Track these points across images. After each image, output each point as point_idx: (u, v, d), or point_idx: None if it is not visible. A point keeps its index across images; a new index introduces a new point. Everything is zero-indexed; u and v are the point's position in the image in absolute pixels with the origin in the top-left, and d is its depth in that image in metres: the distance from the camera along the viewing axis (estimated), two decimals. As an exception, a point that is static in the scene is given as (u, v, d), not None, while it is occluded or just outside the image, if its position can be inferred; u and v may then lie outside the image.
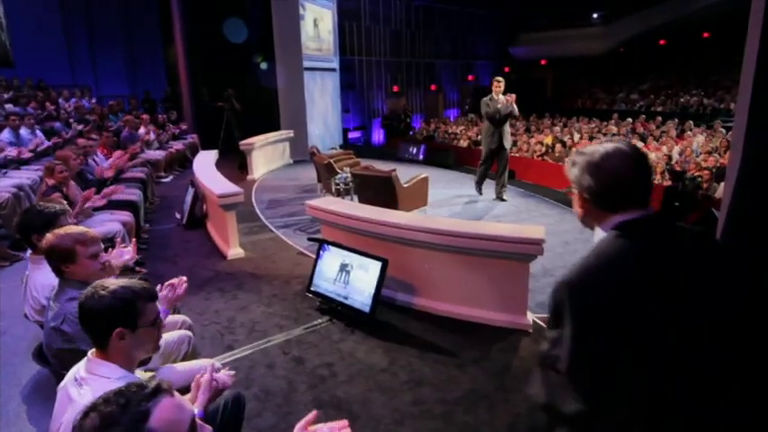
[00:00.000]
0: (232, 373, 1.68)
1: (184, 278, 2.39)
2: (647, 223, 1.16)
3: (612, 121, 13.41)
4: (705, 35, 18.86)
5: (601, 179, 1.18)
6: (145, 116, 10.10)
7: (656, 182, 8.29)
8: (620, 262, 1.12)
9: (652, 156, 9.25)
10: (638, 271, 1.10)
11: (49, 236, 2.12)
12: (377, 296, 3.57)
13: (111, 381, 1.44)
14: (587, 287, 1.11)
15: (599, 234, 1.23)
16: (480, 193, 7.71)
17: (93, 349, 1.53)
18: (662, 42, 20.11)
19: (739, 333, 1.11)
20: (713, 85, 17.23)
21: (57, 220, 2.59)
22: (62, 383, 1.55)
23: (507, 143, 7.32)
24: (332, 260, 3.88)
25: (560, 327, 1.13)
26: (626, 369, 1.08)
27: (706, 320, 1.08)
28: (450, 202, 7.48)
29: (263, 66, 12.57)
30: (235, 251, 5.18)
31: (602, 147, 1.21)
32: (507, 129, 7.33)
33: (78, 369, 1.52)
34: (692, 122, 12.16)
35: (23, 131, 6.89)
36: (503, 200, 7.44)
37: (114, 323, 1.47)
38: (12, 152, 6.07)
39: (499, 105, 7.03)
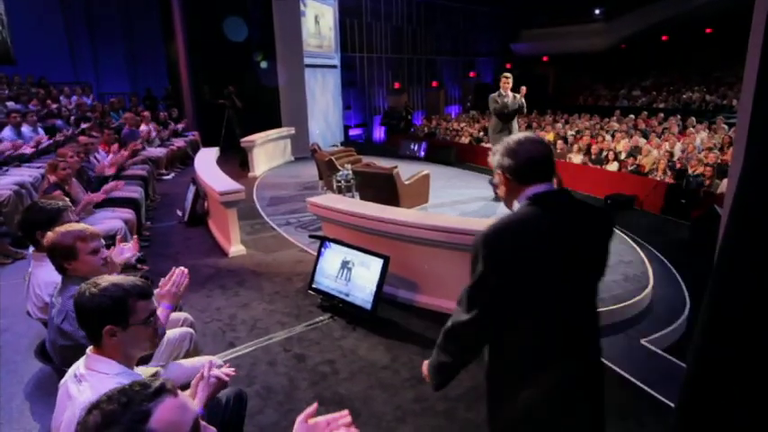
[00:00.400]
0: (232, 370, 1.68)
1: (185, 269, 2.29)
2: (552, 195, 1.47)
3: (614, 118, 13.35)
4: (707, 31, 18.78)
5: (517, 158, 1.47)
6: (146, 113, 10.08)
7: (657, 179, 8.28)
8: (528, 220, 1.43)
9: (654, 152, 9.23)
10: (541, 227, 1.41)
11: (50, 234, 2.12)
12: (378, 293, 3.57)
13: (109, 377, 1.44)
14: (499, 236, 1.41)
15: (516, 208, 1.54)
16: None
17: (92, 346, 1.54)
18: (664, 38, 20.02)
19: (600, 268, 1.52)
20: (715, 82, 17.16)
21: (60, 216, 2.59)
22: (63, 380, 1.55)
23: None
24: (333, 257, 3.88)
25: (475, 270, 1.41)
26: (520, 296, 1.39)
27: (584, 261, 1.47)
28: (451, 199, 7.45)
29: (264, 65, 12.54)
30: (236, 248, 5.18)
31: (515, 136, 1.54)
32: (516, 125, 7.25)
33: (78, 366, 1.52)
34: (694, 119, 12.13)
35: (25, 129, 6.91)
36: None
37: (104, 321, 1.47)
38: (8, 147, 6.06)
39: (507, 101, 6.98)
